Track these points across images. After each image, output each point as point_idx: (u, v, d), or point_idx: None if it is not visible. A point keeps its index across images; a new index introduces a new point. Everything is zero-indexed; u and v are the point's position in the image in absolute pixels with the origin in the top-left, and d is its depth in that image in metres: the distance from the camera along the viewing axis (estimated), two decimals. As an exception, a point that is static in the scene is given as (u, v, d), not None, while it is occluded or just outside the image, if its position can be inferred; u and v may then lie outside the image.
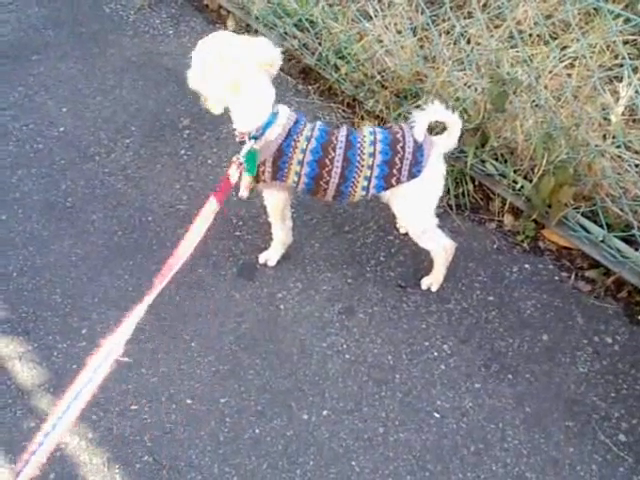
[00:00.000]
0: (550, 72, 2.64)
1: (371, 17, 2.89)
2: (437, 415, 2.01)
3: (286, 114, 2.03)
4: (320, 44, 3.03)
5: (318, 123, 2.08)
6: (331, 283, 2.35)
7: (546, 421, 2.00)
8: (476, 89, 2.59)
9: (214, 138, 2.86)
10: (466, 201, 2.62)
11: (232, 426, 1.95)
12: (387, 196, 2.12)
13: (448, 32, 2.82)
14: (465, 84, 2.63)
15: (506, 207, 2.55)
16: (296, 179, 2.05)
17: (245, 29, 3.33)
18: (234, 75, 1.90)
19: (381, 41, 2.83)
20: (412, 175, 2.02)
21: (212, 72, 1.92)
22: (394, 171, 2.01)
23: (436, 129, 2.34)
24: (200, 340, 2.15)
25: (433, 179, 2.07)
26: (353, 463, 1.89)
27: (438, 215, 2.56)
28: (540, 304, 2.31)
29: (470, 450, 1.93)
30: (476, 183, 2.65)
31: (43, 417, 1.93)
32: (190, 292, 2.27)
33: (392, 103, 2.76)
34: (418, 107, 2.65)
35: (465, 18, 2.99)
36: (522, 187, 2.48)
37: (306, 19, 3.10)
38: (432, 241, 2.22)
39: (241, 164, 1.94)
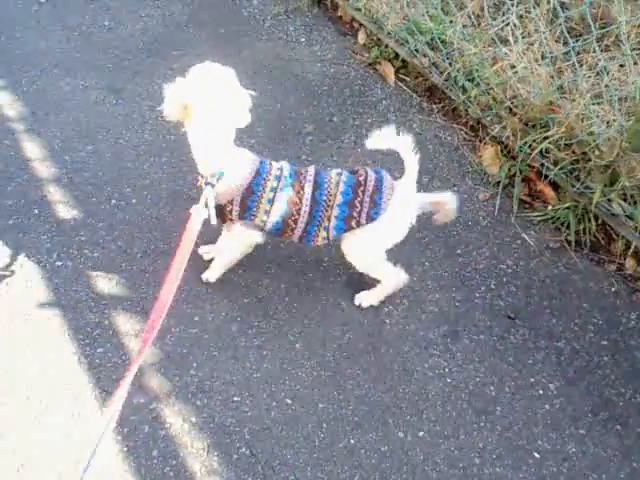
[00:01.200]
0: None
1: (507, 42, 2.85)
2: (537, 455, 1.95)
3: (249, 156, 2.06)
4: (450, 64, 3.02)
5: (284, 163, 2.11)
6: (438, 304, 2.33)
7: (654, 480, 1.90)
8: (612, 125, 2.49)
9: (335, 147, 2.91)
10: (587, 239, 2.53)
11: (328, 432, 1.97)
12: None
13: (588, 64, 2.74)
14: (601, 119, 2.54)
15: (630, 251, 2.44)
16: (265, 218, 2.05)
17: (375, 43, 3.37)
18: (188, 96, 1.90)
19: (514, 67, 2.79)
20: (370, 218, 2.02)
21: (179, 85, 1.92)
22: (354, 213, 2.03)
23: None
24: (304, 343, 2.19)
25: (392, 224, 2.08)
26: (446, 490, 1.87)
27: (555, 249, 2.51)
28: (658, 357, 2.20)
29: (569, 497, 1.86)
30: (599, 222, 2.55)
31: (151, 395, 2.03)
32: (299, 295, 2.32)
33: (519, 131, 2.70)
34: (546, 138, 2.61)
35: (603, 51, 2.90)
36: (650, 231, 2.37)
37: (439, 38, 3.10)
38: (381, 272, 2.22)
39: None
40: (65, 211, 2.54)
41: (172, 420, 1.97)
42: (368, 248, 2.14)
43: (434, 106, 3.12)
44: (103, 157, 2.76)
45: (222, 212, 2.06)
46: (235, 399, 2.04)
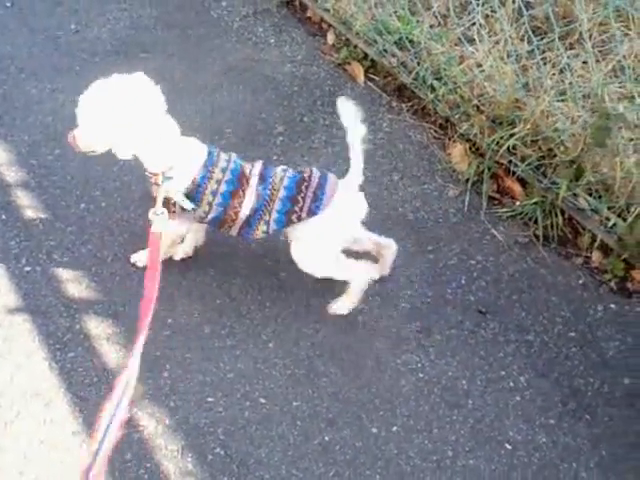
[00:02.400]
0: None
1: (474, 41, 2.89)
2: (509, 446, 1.98)
3: (197, 147, 2.07)
4: (418, 64, 3.05)
5: (233, 155, 2.11)
6: (410, 301, 2.36)
7: (622, 467, 1.94)
8: (576, 121, 2.54)
9: (306, 147, 2.92)
10: (554, 234, 2.58)
11: (302, 430, 1.98)
12: (288, 234, 2.15)
13: (552, 62, 2.79)
14: (565, 115, 2.59)
15: (596, 244, 2.49)
16: (207, 209, 2.05)
17: (344, 43, 3.39)
18: (127, 116, 1.91)
19: (481, 65, 2.83)
20: (311, 212, 2.03)
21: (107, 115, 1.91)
22: (296, 208, 2.03)
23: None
24: (278, 342, 2.19)
25: (335, 219, 2.06)
26: (419, 483, 1.88)
27: (524, 244, 2.55)
28: (624, 346, 2.24)
29: (540, 486, 1.89)
30: (566, 216, 2.60)
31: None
32: (271, 294, 2.32)
33: (487, 128, 2.74)
34: (513, 135, 2.65)
35: (567, 49, 2.96)
36: (615, 225, 2.42)
37: (407, 38, 3.13)
38: (342, 272, 2.19)
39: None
40: (33, 215, 2.51)
41: (145, 423, 1.96)
42: (316, 247, 2.12)
43: (403, 105, 3.15)
44: (71, 161, 2.73)
45: (166, 205, 2.02)
46: (209, 400, 2.03)
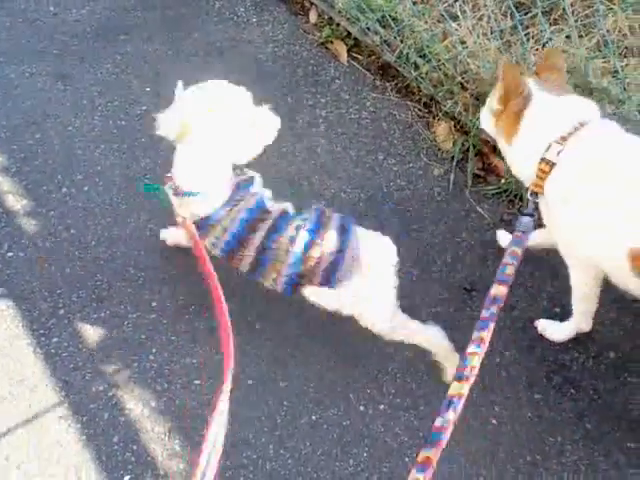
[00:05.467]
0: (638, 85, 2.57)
1: (457, 17, 2.86)
2: (494, 422, 1.99)
3: (230, 176, 1.93)
4: (402, 41, 3.02)
5: (266, 192, 1.99)
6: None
7: (607, 440, 1.96)
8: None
9: (289, 127, 2.89)
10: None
11: (290, 410, 1.98)
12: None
13: (535, 38, 2.77)
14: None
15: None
16: (214, 240, 1.89)
17: (327, 22, 3.35)
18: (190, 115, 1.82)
19: (464, 42, 2.81)
20: (327, 282, 1.81)
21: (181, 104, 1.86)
22: (305, 271, 1.81)
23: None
24: (264, 323, 2.19)
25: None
26: (406, 459, 1.89)
27: (509, 221, 2.54)
28: (609, 320, 2.25)
29: (526, 460, 1.91)
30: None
31: (110, 382, 2.01)
32: (257, 276, 2.31)
33: (471, 105, 2.73)
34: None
35: (550, 25, 2.94)
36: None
37: (390, 15, 3.10)
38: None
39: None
40: (14, 201, 2.49)
41: (132, 406, 1.96)
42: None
43: (387, 84, 3.12)
44: (52, 145, 2.70)
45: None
46: (195, 382, 2.03)
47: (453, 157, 2.78)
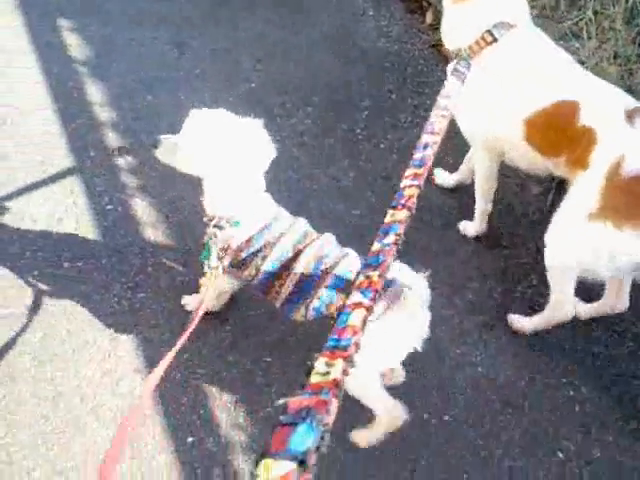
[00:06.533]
0: None
1: (580, 37, 2.77)
2: (561, 455, 1.93)
3: (266, 206, 1.86)
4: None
5: (301, 220, 1.87)
6: (477, 294, 2.32)
7: (676, 496, 1.88)
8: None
9: (390, 124, 2.89)
10: None
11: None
12: None
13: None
14: None
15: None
16: (253, 272, 1.80)
17: (443, 24, 3.32)
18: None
19: (584, 63, 2.71)
20: None
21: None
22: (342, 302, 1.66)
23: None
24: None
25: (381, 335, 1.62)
26: (465, 476, 1.86)
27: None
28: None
29: (588, 499, 1.85)
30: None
31: (185, 346, 2.06)
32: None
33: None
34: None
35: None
36: None
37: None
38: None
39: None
40: (119, 157, 2.59)
41: (203, 371, 2.01)
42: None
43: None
44: (161, 108, 2.79)
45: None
46: (266, 359, 2.06)
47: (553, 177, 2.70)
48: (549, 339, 2.20)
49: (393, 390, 1.81)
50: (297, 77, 3.06)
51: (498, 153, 2.30)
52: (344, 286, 1.68)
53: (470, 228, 2.50)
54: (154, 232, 2.35)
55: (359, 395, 1.75)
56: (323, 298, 1.73)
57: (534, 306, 2.29)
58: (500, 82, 2.08)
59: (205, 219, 1.85)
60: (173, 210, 2.43)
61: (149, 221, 2.38)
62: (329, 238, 1.83)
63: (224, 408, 1.94)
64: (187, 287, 2.20)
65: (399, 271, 1.63)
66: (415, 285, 1.62)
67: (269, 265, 1.78)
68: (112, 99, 2.82)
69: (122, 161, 2.57)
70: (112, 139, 2.64)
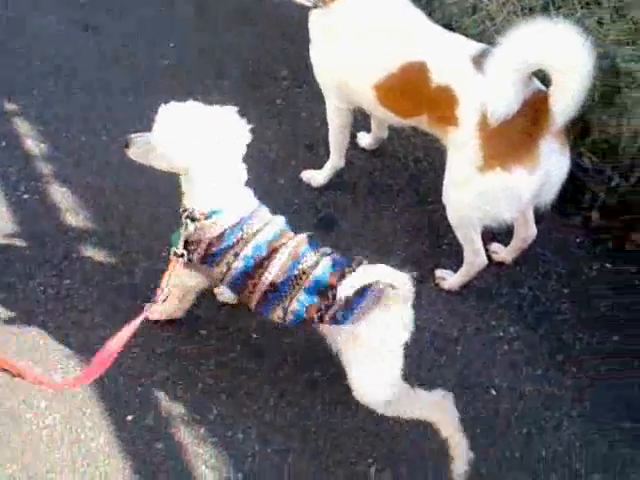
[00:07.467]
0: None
1: (487, -8, 2.84)
2: (494, 392, 2.01)
3: (247, 201, 1.79)
4: (430, 14, 2.99)
5: (279, 218, 1.81)
6: (406, 249, 2.37)
7: (604, 419, 1.97)
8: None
9: (310, 92, 2.88)
10: (555, 191, 2.57)
11: (292, 365, 2.00)
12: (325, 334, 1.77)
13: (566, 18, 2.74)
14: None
15: (597, 203, 2.49)
16: (224, 270, 1.74)
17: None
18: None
19: (494, 18, 2.78)
20: (335, 319, 1.65)
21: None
22: (321, 305, 1.66)
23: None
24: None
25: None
26: (404, 422, 1.91)
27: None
28: (616, 305, 2.25)
29: (522, 431, 1.92)
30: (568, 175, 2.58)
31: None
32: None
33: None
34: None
35: (582, 7, 2.90)
36: (618, 185, 2.42)
37: (419, -13, 3.07)
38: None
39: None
40: (33, 145, 2.51)
41: (137, 350, 1.99)
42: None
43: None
44: (73, 93, 2.71)
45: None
46: (201, 332, 2.05)
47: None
48: (477, 284, 2.27)
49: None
50: (213, 51, 3.03)
51: (352, 105, 2.28)
52: (323, 289, 1.65)
53: (318, 177, 2.50)
54: (75, 218, 2.30)
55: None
56: (302, 301, 1.68)
57: (461, 256, 2.35)
58: (349, 38, 2.07)
59: (180, 209, 1.77)
60: (92, 195, 2.38)
61: (69, 207, 2.33)
62: (305, 238, 1.77)
63: (162, 384, 1.92)
64: (114, 270, 2.17)
65: (382, 271, 1.59)
66: (398, 284, 1.59)
67: (241, 263, 1.72)
68: (21, 87, 2.72)
69: (35, 149, 2.49)
70: (22, 127, 2.55)
